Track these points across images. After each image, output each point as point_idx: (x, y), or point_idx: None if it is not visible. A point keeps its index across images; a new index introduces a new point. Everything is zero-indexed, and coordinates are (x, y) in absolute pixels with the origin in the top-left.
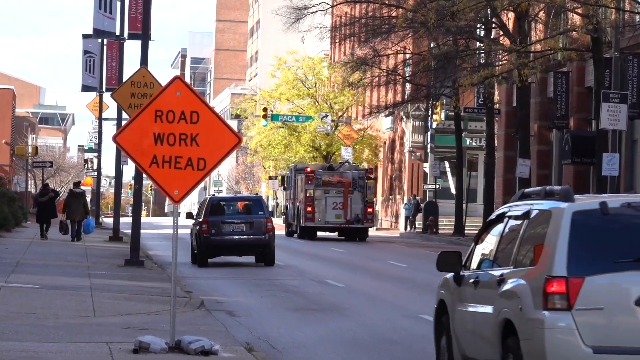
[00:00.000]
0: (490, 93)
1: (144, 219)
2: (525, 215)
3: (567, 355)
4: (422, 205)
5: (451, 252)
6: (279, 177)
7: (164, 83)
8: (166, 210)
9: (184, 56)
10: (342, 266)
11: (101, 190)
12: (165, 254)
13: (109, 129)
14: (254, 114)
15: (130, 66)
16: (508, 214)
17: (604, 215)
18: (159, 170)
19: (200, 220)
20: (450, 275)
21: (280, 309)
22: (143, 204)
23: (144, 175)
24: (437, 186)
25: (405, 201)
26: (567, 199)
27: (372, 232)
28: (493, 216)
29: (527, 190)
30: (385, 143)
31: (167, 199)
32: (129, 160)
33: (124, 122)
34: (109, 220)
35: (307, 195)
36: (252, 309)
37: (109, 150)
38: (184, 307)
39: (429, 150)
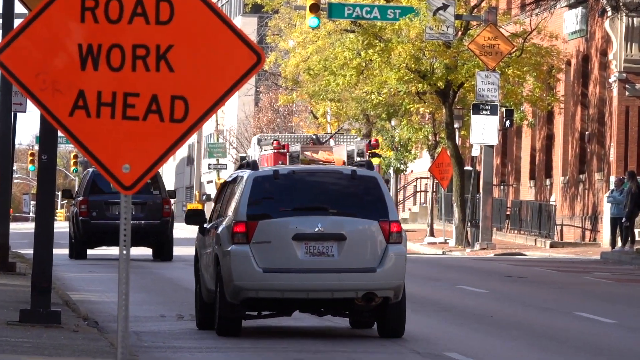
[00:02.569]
0: None
1: (60, 224)
2: (234, 180)
3: (246, 274)
4: None
5: (197, 210)
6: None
7: None
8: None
9: None
10: (491, 330)
11: None
12: (105, 299)
13: None
14: (291, 4)
15: None
16: (228, 180)
17: (275, 179)
18: (90, 122)
19: (80, 199)
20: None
21: None
22: (59, 194)
23: (60, 133)
24: None
25: (613, 186)
26: (254, 168)
27: (537, 251)
28: (223, 181)
29: (242, 162)
30: (570, 64)
31: (111, 184)
32: (28, 103)
33: (17, 23)
34: None
35: None
36: None
37: None
38: None
39: None
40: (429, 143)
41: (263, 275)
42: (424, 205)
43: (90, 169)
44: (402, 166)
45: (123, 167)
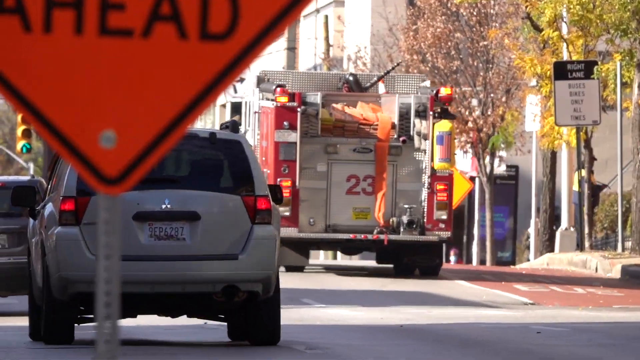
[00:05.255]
0: None
1: None
2: None
3: (75, 263)
4: None
5: (25, 187)
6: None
7: None
8: None
9: None
10: None
11: None
12: None
13: None
14: None
15: None
16: None
17: None
18: (30, 42)
19: None
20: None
21: None
22: None
23: None
24: None
25: None
26: None
27: None
28: None
29: None
30: None
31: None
32: None
33: None
34: None
35: (279, 156)
36: None
37: None
38: None
39: None
40: None
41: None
42: None
43: None
44: None
45: (101, 136)
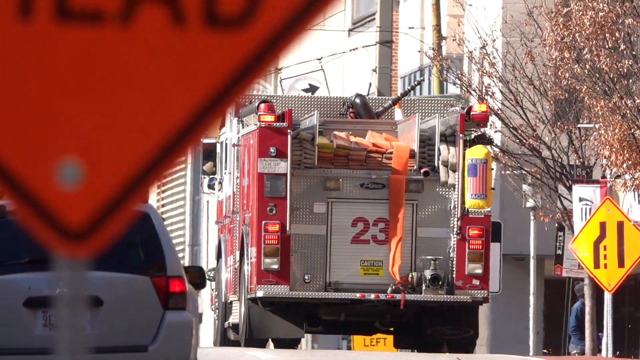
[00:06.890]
0: None
1: None
2: None
3: None
4: None
5: None
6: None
7: None
8: None
9: None
10: None
11: None
12: None
13: None
14: None
15: None
16: None
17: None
18: None
19: None
20: None
21: None
22: None
23: None
24: None
25: None
26: None
27: None
28: None
29: None
30: None
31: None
32: None
33: None
34: None
35: (264, 192)
36: None
37: None
38: None
39: None
40: None
41: None
42: None
43: None
44: None
45: (61, 169)
